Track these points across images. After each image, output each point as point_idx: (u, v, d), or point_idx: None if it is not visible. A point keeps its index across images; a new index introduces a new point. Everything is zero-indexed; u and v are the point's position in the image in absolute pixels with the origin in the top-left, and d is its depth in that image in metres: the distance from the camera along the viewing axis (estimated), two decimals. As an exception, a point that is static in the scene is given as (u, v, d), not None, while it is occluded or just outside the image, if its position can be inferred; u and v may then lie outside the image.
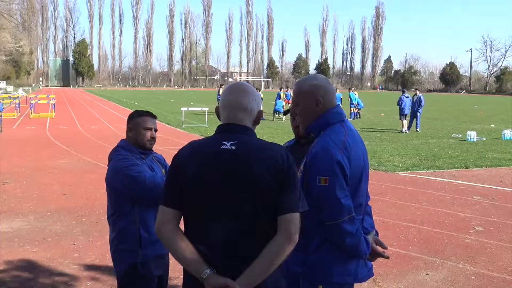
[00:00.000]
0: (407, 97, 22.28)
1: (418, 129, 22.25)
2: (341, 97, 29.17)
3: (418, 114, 22.48)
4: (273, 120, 27.03)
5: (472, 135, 19.02)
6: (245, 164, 2.21)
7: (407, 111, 22.05)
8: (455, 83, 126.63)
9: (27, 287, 5.04)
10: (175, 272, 4.73)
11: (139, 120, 3.41)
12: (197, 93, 78.56)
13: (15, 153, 13.94)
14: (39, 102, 31.83)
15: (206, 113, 24.51)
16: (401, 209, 8.40)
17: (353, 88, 32.10)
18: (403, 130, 21.60)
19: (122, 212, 3.30)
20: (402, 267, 5.77)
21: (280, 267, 2.29)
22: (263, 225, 2.23)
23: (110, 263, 5.59)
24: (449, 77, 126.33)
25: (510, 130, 20.14)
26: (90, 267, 5.62)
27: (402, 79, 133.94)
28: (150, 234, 3.26)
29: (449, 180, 11.02)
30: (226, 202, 2.23)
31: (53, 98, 31.47)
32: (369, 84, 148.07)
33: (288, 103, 29.16)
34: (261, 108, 2.47)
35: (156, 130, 3.47)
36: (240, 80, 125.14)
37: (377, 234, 2.79)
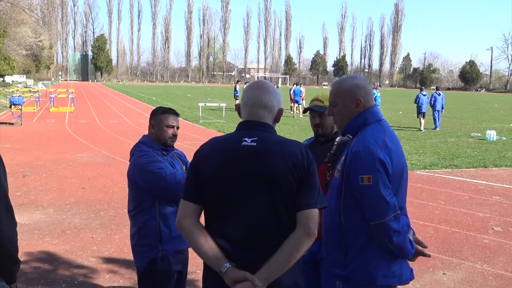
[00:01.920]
0: (424, 95, 22.09)
1: (438, 128, 22.08)
2: None
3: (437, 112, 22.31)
4: (293, 117, 26.94)
5: (492, 134, 18.80)
6: (265, 160, 2.25)
7: (425, 109, 21.86)
8: (474, 82, 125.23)
9: (46, 279, 5.11)
10: (193, 267, 4.77)
11: (162, 117, 3.43)
12: (214, 89, 78.75)
13: (35, 147, 14.12)
14: (58, 96, 32.14)
15: (224, 109, 24.56)
16: (418, 208, 8.35)
17: (379, 87, 31.77)
18: (421, 129, 21.42)
19: (143, 208, 3.33)
20: (419, 266, 5.73)
21: (298, 263, 2.31)
22: (282, 220, 2.26)
23: (128, 256, 5.69)
24: (469, 76, 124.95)
25: (531, 129, 19.85)
26: (108, 260, 5.69)
27: (421, 77, 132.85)
28: (171, 230, 3.29)
29: (468, 180, 10.92)
30: (246, 197, 2.26)
31: (72, 92, 31.75)
32: (387, 81, 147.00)
33: (303, 99, 29.07)
34: (282, 106, 2.48)
35: (178, 128, 3.49)
36: (258, 76, 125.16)
37: (413, 233, 2.77)
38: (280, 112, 2.45)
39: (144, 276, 3.37)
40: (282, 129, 20.36)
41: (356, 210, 2.52)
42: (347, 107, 2.69)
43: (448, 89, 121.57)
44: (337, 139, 3.46)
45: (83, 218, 7.29)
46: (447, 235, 7.00)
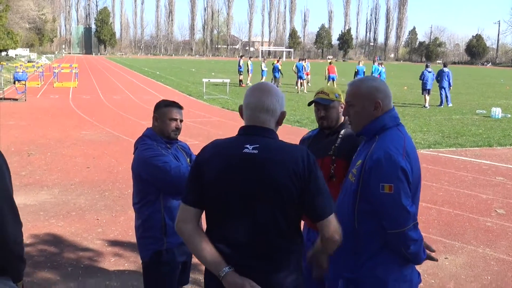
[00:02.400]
0: (429, 71, 21.90)
1: (442, 105, 22.00)
2: (364, 70, 28.83)
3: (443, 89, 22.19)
4: (297, 92, 26.82)
5: (497, 111, 18.71)
6: (266, 169, 2.24)
7: (430, 86, 21.71)
8: (481, 56, 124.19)
9: (53, 262, 5.17)
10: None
11: (165, 110, 3.42)
12: (218, 63, 78.35)
13: (39, 124, 14.15)
14: (62, 71, 32.04)
15: (228, 85, 24.47)
16: (422, 189, 8.24)
17: (378, 61, 31.35)
18: (426, 106, 21.33)
19: (147, 201, 3.34)
20: (421, 250, 5.77)
21: (300, 267, 2.34)
22: (282, 227, 2.27)
23: (132, 239, 5.73)
24: (475, 50, 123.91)
25: (536, 107, 19.74)
26: (114, 243, 5.74)
27: (427, 51, 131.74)
28: (174, 222, 3.30)
29: (472, 159, 10.91)
30: (246, 204, 2.26)
31: (75, 67, 31.64)
32: (392, 55, 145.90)
33: (308, 75, 28.89)
34: (284, 109, 2.44)
35: (181, 121, 3.47)
36: (262, 50, 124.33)
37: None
38: (282, 115, 2.41)
39: (149, 267, 3.40)
40: (287, 105, 20.19)
41: (371, 216, 2.50)
42: (365, 110, 2.62)
43: (454, 63, 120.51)
44: (342, 131, 3.45)
45: (88, 199, 7.34)
46: (450, 217, 7.03)
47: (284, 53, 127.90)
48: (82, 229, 6.14)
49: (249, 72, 31.33)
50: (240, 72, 31.05)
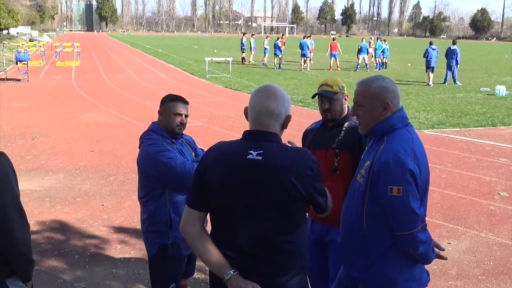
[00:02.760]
0: (433, 49, 21.72)
1: (446, 83, 21.92)
2: (367, 47, 28.62)
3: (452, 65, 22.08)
4: (300, 70, 26.69)
5: (501, 89, 18.62)
6: (269, 175, 2.25)
7: (434, 63, 21.56)
8: (485, 30, 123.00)
9: (60, 250, 5.24)
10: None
11: (170, 105, 3.41)
12: (221, 39, 77.87)
13: (43, 106, 14.15)
14: (64, 50, 31.92)
15: (230, 63, 24.36)
16: (425, 171, 8.36)
17: (381, 37, 31.04)
18: (430, 83, 21.22)
19: (153, 195, 3.37)
20: (424, 235, 5.81)
21: (305, 268, 2.37)
22: (285, 232, 2.30)
23: (138, 225, 5.78)
24: (480, 24, 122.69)
25: (541, 84, 19.63)
26: (119, 230, 5.80)
27: (431, 26, 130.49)
28: (180, 217, 3.32)
29: (476, 140, 10.90)
30: (249, 210, 2.29)
31: (77, 46, 31.52)
32: (396, 30, 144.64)
33: (311, 52, 28.63)
34: (290, 112, 2.42)
35: (186, 116, 3.46)
36: (264, 26, 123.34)
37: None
38: (287, 118, 2.40)
39: (155, 261, 3.44)
40: (290, 84, 20.25)
41: (379, 217, 2.52)
42: (375, 110, 2.60)
43: (459, 38, 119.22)
44: (346, 124, 3.45)
45: (93, 184, 7.39)
46: (453, 201, 7.06)
47: (287, 28, 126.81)
48: (87, 216, 6.20)
49: (252, 49, 31.10)
50: (243, 50, 30.80)
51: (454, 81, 22.05)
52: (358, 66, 28.32)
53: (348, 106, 3.59)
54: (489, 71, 28.85)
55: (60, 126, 11.36)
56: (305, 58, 27.20)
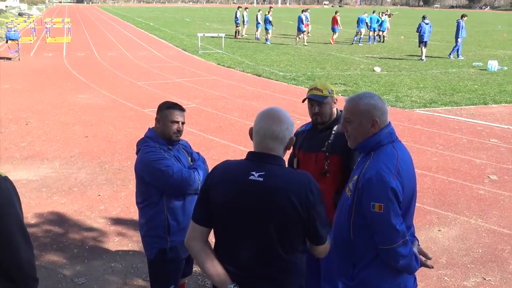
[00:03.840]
0: (426, 23, 21.65)
1: (451, 56, 22.10)
2: (366, 20, 28.48)
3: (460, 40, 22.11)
4: (295, 45, 26.54)
5: (493, 64, 18.69)
6: (270, 196, 2.35)
7: (427, 38, 21.53)
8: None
9: (59, 244, 5.33)
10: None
11: (167, 113, 3.47)
12: (213, 11, 77.01)
13: (35, 87, 14.08)
14: (54, 26, 31.55)
15: (223, 39, 24.20)
16: (417, 154, 8.49)
17: (381, 12, 30.76)
18: (422, 58, 21.23)
19: (150, 201, 3.46)
20: (416, 222, 5.82)
21: (303, 267, 2.52)
22: (284, 251, 2.41)
23: (134, 216, 5.91)
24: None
25: (533, 59, 19.71)
26: (116, 221, 5.90)
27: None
28: (179, 223, 3.45)
29: (467, 120, 11.01)
30: (250, 229, 2.40)
31: (68, 22, 31.15)
32: (389, 0, 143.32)
33: (307, 26, 28.48)
34: (293, 135, 2.51)
35: (183, 123, 3.53)
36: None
37: (418, 243, 2.86)
38: (291, 140, 2.49)
39: (154, 265, 3.55)
40: (283, 60, 20.22)
41: (365, 229, 2.62)
42: (363, 127, 2.69)
43: (452, 7, 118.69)
44: (335, 127, 3.54)
45: (89, 173, 7.45)
46: (444, 185, 7.19)
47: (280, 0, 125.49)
48: (85, 207, 6.28)
49: (245, 23, 30.86)
50: (237, 24, 30.56)
51: (458, 55, 22.20)
52: (355, 39, 28.31)
53: (337, 109, 3.68)
54: (482, 44, 28.86)
55: (53, 109, 11.35)
56: (299, 33, 27.01)
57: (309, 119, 3.72)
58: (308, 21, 28.16)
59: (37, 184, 6.99)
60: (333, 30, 28.10)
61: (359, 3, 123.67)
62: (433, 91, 14.20)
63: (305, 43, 26.68)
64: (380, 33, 29.64)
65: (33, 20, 33.67)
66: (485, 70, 18.58)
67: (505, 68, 19.06)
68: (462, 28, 21.92)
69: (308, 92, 3.58)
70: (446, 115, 11.45)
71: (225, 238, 2.48)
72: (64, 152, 8.39)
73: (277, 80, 15.71)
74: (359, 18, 28.26)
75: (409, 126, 10.32)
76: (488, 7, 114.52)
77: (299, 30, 26.89)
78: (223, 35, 24.49)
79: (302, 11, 28.01)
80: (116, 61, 19.98)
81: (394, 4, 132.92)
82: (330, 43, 27.65)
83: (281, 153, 2.47)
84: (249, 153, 2.49)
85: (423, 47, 21.43)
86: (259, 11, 30.74)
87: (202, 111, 11.36)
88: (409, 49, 25.47)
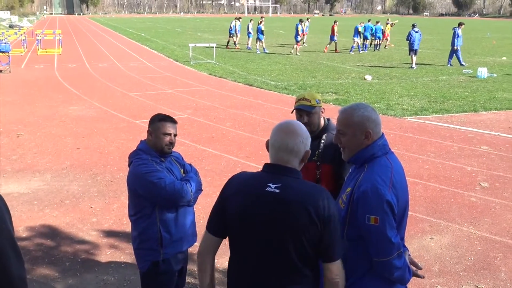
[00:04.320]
0: (416, 31, 21.83)
1: (450, 64, 22.30)
2: (359, 29, 28.70)
3: (456, 48, 22.30)
4: (293, 53, 26.64)
5: (483, 71, 18.85)
6: (286, 209, 2.36)
7: (417, 46, 21.69)
8: (468, 7, 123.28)
9: (50, 257, 5.30)
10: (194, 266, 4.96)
11: (159, 125, 3.49)
12: (204, 21, 77.21)
13: (26, 99, 14.03)
14: (45, 37, 31.50)
15: (214, 49, 24.25)
16: (409, 162, 8.53)
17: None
18: (413, 66, 21.37)
19: (143, 214, 3.47)
20: (408, 230, 5.92)
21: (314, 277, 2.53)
22: (296, 265, 2.42)
23: (126, 228, 5.89)
24: (462, 0, 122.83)
25: (522, 66, 19.90)
26: (109, 234, 5.87)
27: (414, 3, 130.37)
28: (171, 235, 3.45)
29: (458, 127, 11.07)
30: (263, 242, 2.42)
31: (59, 33, 31.11)
32: (379, 7, 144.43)
33: (304, 35, 28.75)
34: (308, 148, 2.54)
35: (175, 135, 3.54)
36: (247, 6, 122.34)
37: (409, 253, 2.87)
38: (306, 154, 2.51)
39: (147, 277, 3.55)
40: (274, 69, 20.29)
41: (359, 241, 2.62)
42: (356, 139, 2.70)
43: (441, 14, 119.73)
44: (324, 136, 3.57)
45: (81, 185, 7.42)
46: (435, 193, 7.22)
47: (270, 8, 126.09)
48: (76, 219, 6.25)
49: (237, 32, 30.92)
50: (230, 34, 30.60)
51: (455, 62, 22.45)
52: (358, 48, 28.65)
53: (324, 118, 3.70)
54: (471, 51, 29.06)
55: (44, 122, 11.31)
56: (296, 43, 27.00)
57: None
58: (304, 31, 28.24)
59: (29, 197, 6.95)
60: (331, 39, 28.35)
61: (344, 11, 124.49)
62: (423, 99, 14.29)
63: (298, 53, 26.70)
64: (377, 41, 29.92)
65: (24, 32, 33.58)
66: (475, 77, 18.72)
67: (495, 75, 19.23)
68: (458, 36, 22.08)
69: (296, 102, 3.60)
70: (437, 122, 11.52)
71: (239, 249, 2.51)
72: (55, 164, 8.36)
73: (268, 90, 15.76)
74: (355, 27, 28.54)
75: (400, 134, 10.37)
76: (477, 15, 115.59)
77: (295, 40, 26.92)
78: (214, 45, 24.53)
79: (300, 20, 28.12)
80: (107, 72, 19.95)
81: (384, 12, 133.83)
82: (324, 51, 27.92)
83: (296, 165, 2.49)
84: (266, 165, 2.53)
85: (413, 55, 21.58)
86: (250, 21, 30.84)
87: (194, 122, 11.37)
88: (399, 57, 25.64)
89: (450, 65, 22.17)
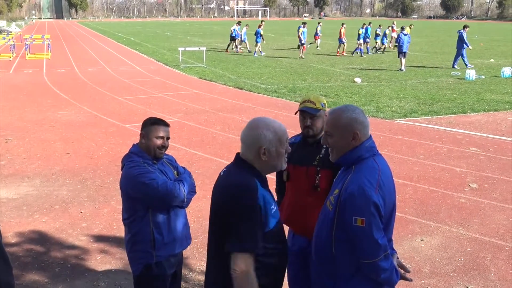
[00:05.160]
0: (405, 34, 21.97)
1: (455, 66, 22.32)
2: (359, 32, 28.92)
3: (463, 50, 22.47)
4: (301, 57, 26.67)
5: (471, 73, 19.00)
6: (217, 192, 2.68)
7: (406, 48, 21.83)
8: (456, 9, 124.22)
9: (40, 263, 5.26)
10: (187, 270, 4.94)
11: (151, 128, 3.48)
12: (193, 25, 77.16)
13: (15, 104, 13.94)
14: (34, 42, 31.34)
15: (204, 53, 24.24)
16: (398, 164, 8.57)
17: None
18: (402, 68, 21.49)
19: (136, 216, 3.45)
20: (398, 232, 5.98)
21: None
22: (219, 251, 2.62)
23: (117, 233, 5.86)
24: (450, 3, 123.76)
25: (509, 67, 20.08)
26: (99, 239, 5.84)
27: (402, 6, 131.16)
28: (163, 237, 3.45)
29: (447, 129, 11.14)
30: (210, 224, 2.76)
31: (48, 38, 30.97)
32: (368, 10, 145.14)
33: (317, 39, 29.41)
34: (268, 146, 2.64)
35: (168, 138, 3.54)
36: (237, 9, 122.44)
37: (397, 256, 2.89)
38: (260, 150, 2.63)
39: (140, 280, 3.53)
40: (264, 73, 20.32)
41: (347, 243, 2.63)
42: (344, 140, 2.72)
43: (430, 17, 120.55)
44: None
45: (70, 190, 7.38)
46: (425, 194, 7.26)
47: (260, 11, 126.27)
48: (66, 224, 6.21)
49: (237, 37, 30.74)
50: (232, 38, 30.59)
51: (458, 64, 22.65)
52: (360, 51, 28.92)
53: None
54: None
55: (34, 127, 11.25)
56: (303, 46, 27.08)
57: (292, 131, 3.72)
58: (320, 33, 28.32)
59: (18, 203, 6.90)
60: (340, 41, 28.61)
61: (324, 14, 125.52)
62: (413, 101, 14.37)
63: (302, 55, 26.68)
64: (380, 44, 30.18)
65: (12, 37, 33.41)
66: (463, 79, 18.86)
67: (483, 77, 19.38)
68: (465, 38, 22.26)
69: (301, 104, 3.55)
70: (426, 124, 11.59)
71: None
72: (45, 169, 8.31)
73: (258, 93, 15.77)
74: (360, 30, 28.89)
75: (390, 136, 10.41)
76: (465, 17, 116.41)
77: (301, 43, 26.96)
78: (204, 49, 24.52)
79: (303, 23, 28.18)
80: (97, 76, 19.88)
81: (373, 15, 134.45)
82: (336, 55, 28.48)
83: (250, 157, 2.66)
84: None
85: (402, 58, 21.70)
86: (246, 25, 30.90)
87: (184, 125, 11.35)
88: (388, 60, 25.78)
89: (455, 67, 22.21)
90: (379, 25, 31.22)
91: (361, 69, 22.14)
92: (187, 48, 25.84)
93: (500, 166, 8.54)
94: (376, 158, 2.72)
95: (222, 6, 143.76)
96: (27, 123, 11.63)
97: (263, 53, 28.33)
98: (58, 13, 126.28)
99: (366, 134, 2.74)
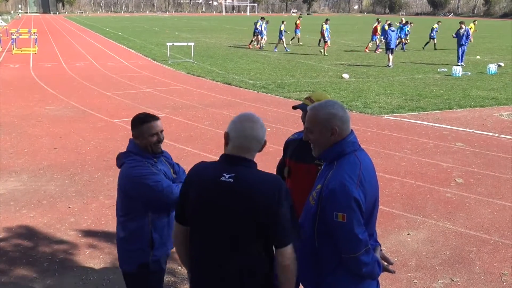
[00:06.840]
0: (393, 31, 22.10)
1: (462, 63, 22.36)
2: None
3: (464, 47, 22.58)
4: (322, 53, 26.70)
5: (458, 70, 19.15)
6: (239, 198, 2.47)
7: (393, 45, 21.95)
8: (443, 6, 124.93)
9: (28, 258, 5.25)
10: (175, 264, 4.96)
11: (143, 128, 3.36)
12: (181, 20, 76.86)
13: (1, 99, 13.82)
14: (20, 37, 31.05)
15: (192, 48, 24.17)
16: (386, 159, 8.65)
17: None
18: (389, 65, 21.60)
19: (134, 215, 3.37)
20: (385, 226, 6.06)
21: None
22: (243, 254, 2.54)
23: (105, 228, 5.87)
24: (438, 0, 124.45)
25: (495, 64, 20.28)
26: (87, 233, 5.83)
27: (390, 2, 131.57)
28: (161, 236, 3.40)
29: (433, 124, 11.24)
30: (215, 229, 2.54)
31: (35, 32, 30.70)
32: (356, 7, 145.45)
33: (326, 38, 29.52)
34: (265, 138, 2.66)
35: (162, 131, 3.44)
36: (225, 4, 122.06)
37: (381, 249, 2.91)
38: (264, 143, 2.65)
39: (135, 278, 3.47)
40: (252, 68, 20.33)
41: (329, 236, 2.66)
42: (323, 135, 2.73)
43: (417, 14, 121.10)
44: None
45: (58, 185, 7.36)
46: (412, 189, 7.33)
47: (248, 7, 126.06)
48: (54, 219, 6.20)
49: (258, 33, 30.55)
50: (255, 33, 30.56)
51: (461, 60, 22.68)
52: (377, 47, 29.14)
53: None
54: (446, 50, 29.48)
55: (21, 122, 11.17)
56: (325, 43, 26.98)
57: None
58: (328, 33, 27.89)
59: (5, 198, 6.87)
60: (372, 38, 29.09)
61: (295, 10, 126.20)
62: (400, 97, 14.46)
63: (325, 53, 26.56)
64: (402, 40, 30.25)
65: (-2, 31, 33.02)
66: (450, 75, 19.02)
67: (469, 73, 19.56)
68: (469, 35, 22.37)
69: (303, 100, 3.58)
70: (413, 120, 11.68)
71: (193, 235, 2.65)
72: (32, 164, 8.27)
73: (247, 88, 15.78)
74: (382, 27, 28.74)
75: (377, 132, 10.48)
76: (452, 14, 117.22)
77: (325, 40, 26.85)
78: (192, 44, 24.45)
79: (283, 21, 28.30)
80: (84, 71, 19.76)
81: (361, 12, 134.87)
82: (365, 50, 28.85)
83: (254, 154, 2.62)
84: (222, 155, 2.64)
85: (390, 54, 21.81)
86: (266, 22, 30.86)
87: (172, 121, 11.34)
88: (376, 56, 25.89)
89: (462, 64, 22.22)
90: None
91: (349, 65, 22.23)
92: (175, 43, 25.74)
93: (485, 161, 8.64)
94: (357, 153, 2.74)
95: (211, 1, 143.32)
96: (14, 118, 11.55)
97: (288, 49, 28.72)
98: (45, 8, 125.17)
99: (347, 130, 2.75)
